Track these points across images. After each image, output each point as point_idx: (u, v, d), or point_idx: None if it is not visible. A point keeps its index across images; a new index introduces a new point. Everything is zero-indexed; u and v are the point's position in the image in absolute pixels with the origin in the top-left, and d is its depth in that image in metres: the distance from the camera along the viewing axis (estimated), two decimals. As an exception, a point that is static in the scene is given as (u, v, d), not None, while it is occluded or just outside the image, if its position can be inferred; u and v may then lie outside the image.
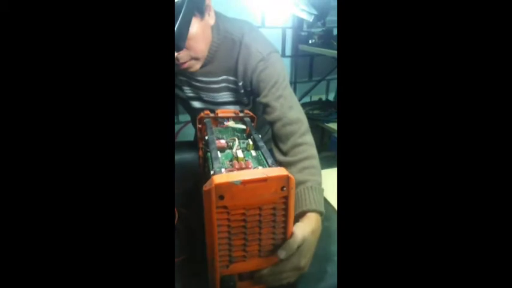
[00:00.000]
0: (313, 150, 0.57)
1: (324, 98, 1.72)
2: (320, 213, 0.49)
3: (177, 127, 1.18)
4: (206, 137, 0.51)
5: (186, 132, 1.20)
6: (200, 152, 0.61)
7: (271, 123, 0.61)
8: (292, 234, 0.41)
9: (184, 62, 0.62)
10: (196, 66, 0.65)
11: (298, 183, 0.51)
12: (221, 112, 0.57)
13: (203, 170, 0.57)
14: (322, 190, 0.52)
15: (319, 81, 1.63)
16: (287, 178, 0.37)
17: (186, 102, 0.80)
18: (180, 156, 0.79)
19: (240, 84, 0.69)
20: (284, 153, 0.58)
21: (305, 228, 0.43)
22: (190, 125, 1.13)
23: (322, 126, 1.47)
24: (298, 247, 0.41)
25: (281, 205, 0.38)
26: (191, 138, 1.10)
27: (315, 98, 1.69)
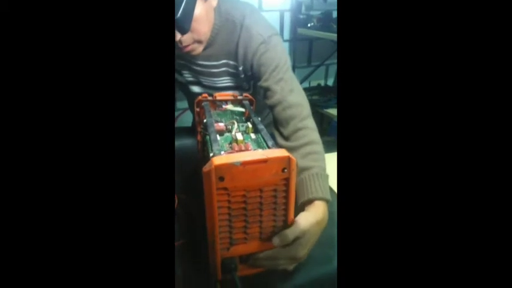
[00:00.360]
0: (316, 135, 0.55)
1: (323, 83, 1.70)
2: (326, 200, 0.47)
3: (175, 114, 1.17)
4: (205, 120, 0.50)
5: (184, 119, 1.18)
6: (199, 137, 0.60)
7: (272, 108, 0.60)
8: (293, 223, 0.40)
9: (187, 45, 0.61)
10: (199, 49, 0.64)
11: (302, 170, 0.50)
12: (219, 95, 0.56)
13: (202, 155, 0.57)
14: (327, 176, 0.51)
15: (318, 66, 1.61)
16: (288, 159, 0.36)
17: (185, 86, 0.79)
18: (179, 142, 0.78)
19: (240, 68, 0.67)
20: (285, 138, 0.57)
21: (309, 219, 0.42)
22: (188, 113, 1.12)
23: (321, 112, 1.46)
24: (297, 238, 0.40)
25: (282, 187, 0.38)
26: (189, 125, 1.09)
27: (314, 83, 1.67)
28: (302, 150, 0.52)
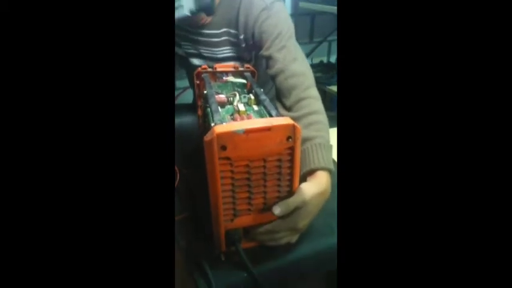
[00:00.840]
0: (319, 105, 0.53)
1: (325, 60, 1.66)
2: (329, 171, 0.46)
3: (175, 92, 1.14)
4: (205, 92, 0.48)
5: (184, 98, 1.16)
6: (199, 111, 0.59)
7: (274, 77, 0.57)
8: (295, 192, 0.39)
9: (203, 18, 0.61)
10: (210, 18, 0.63)
11: (305, 140, 0.48)
12: (220, 66, 0.54)
13: (203, 129, 0.55)
14: (330, 147, 0.49)
15: (320, 43, 1.56)
16: (293, 127, 0.35)
17: (184, 60, 0.76)
18: (179, 119, 0.77)
19: (241, 37, 0.64)
20: (288, 109, 0.54)
21: (310, 190, 0.41)
22: (188, 92, 1.09)
23: (324, 89, 1.43)
24: (297, 208, 0.39)
25: (286, 157, 0.37)
26: (190, 102, 1.07)
27: (316, 60, 1.62)
28: (305, 120, 0.50)
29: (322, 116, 0.52)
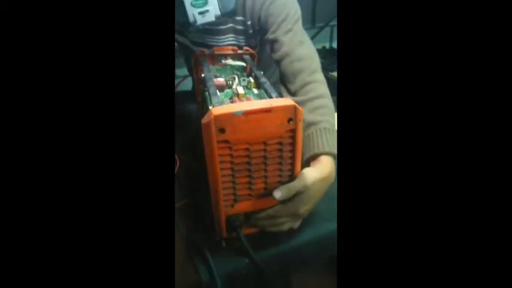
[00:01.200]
0: (325, 89, 0.51)
1: (327, 46, 1.63)
2: (333, 156, 0.45)
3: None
4: (203, 75, 0.46)
5: (184, 85, 1.14)
6: (198, 98, 0.57)
7: (279, 61, 0.55)
8: (297, 177, 0.38)
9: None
10: None
11: (310, 125, 0.47)
12: (218, 49, 0.52)
13: (202, 114, 0.54)
14: (335, 131, 0.47)
15: (322, 28, 1.53)
16: (294, 108, 0.33)
17: (187, 49, 0.74)
18: (179, 106, 0.75)
19: (249, 23, 0.63)
20: (292, 93, 0.53)
21: (313, 175, 0.39)
22: (188, 80, 1.07)
23: (326, 75, 1.40)
24: (298, 193, 0.38)
25: (288, 139, 0.35)
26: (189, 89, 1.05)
27: (318, 46, 1.59)
28: (310, 105, 0.49)
29: (328, 100, 0.50)
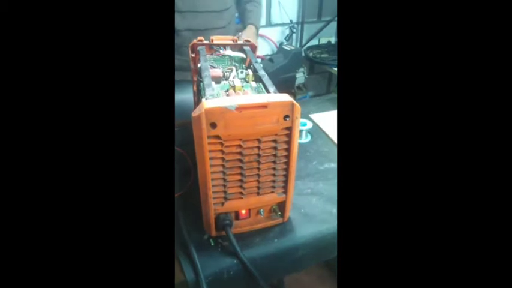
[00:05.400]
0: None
1: (333, 40, 1.59)
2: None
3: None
4: (199, 65, 0.44)
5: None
6: (194, 87, 0.55)
7: None
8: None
9: None
10: None
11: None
12: (217, 38, 0.50)
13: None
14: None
15: (328, 22, 1.49)
16: (291, 105, 0.31)
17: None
18: (178, 96, 0.73)
19: None
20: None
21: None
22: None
23: (331, 70, 1.37)
24: None
25: (283, 137, 0.33)
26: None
27: (324, 40, 1.55)
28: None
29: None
